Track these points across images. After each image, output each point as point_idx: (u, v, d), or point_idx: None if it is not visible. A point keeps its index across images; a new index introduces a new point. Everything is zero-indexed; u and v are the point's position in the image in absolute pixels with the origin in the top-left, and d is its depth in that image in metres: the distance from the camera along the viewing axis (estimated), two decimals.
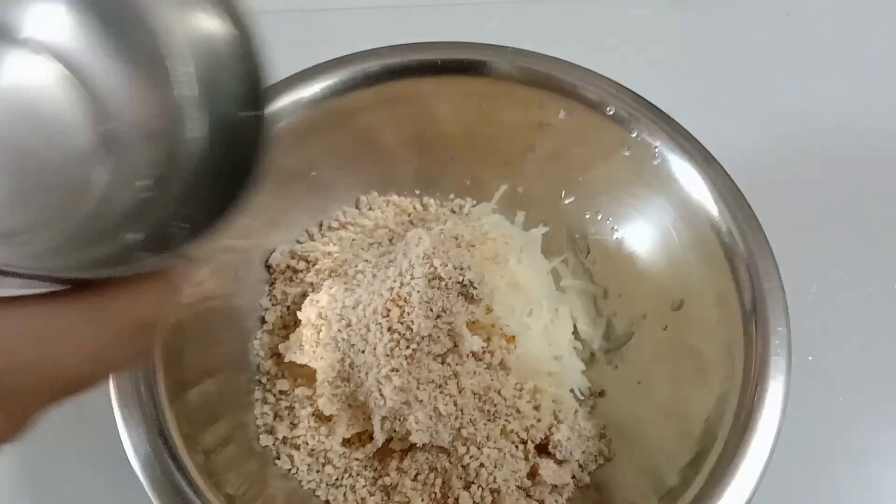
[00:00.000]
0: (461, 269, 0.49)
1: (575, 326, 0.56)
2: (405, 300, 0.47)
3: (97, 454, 0.53)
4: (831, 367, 0.58)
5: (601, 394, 0.55)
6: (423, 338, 0.47)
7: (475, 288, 0.49)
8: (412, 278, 0.48)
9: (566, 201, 0.58)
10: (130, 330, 0.22)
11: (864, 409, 0.57)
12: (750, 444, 0.42)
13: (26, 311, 0.20)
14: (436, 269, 0.48)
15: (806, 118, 0.69)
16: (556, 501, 0.49)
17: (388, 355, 0.47)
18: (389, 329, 0.47)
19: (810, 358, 0.58)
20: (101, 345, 0.21)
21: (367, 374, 0.47)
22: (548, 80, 0.54)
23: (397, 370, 0.47)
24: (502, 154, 0.58)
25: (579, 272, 0.58)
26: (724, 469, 0.42)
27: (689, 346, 0.51)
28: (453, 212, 0.60)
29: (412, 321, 0.47)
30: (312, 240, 0.57)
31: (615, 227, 0.56)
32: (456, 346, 0.48)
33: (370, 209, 0.59)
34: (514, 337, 0.50)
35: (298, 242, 0.57)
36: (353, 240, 0.57)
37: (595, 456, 0.51)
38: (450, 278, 0.48)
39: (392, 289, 0.48)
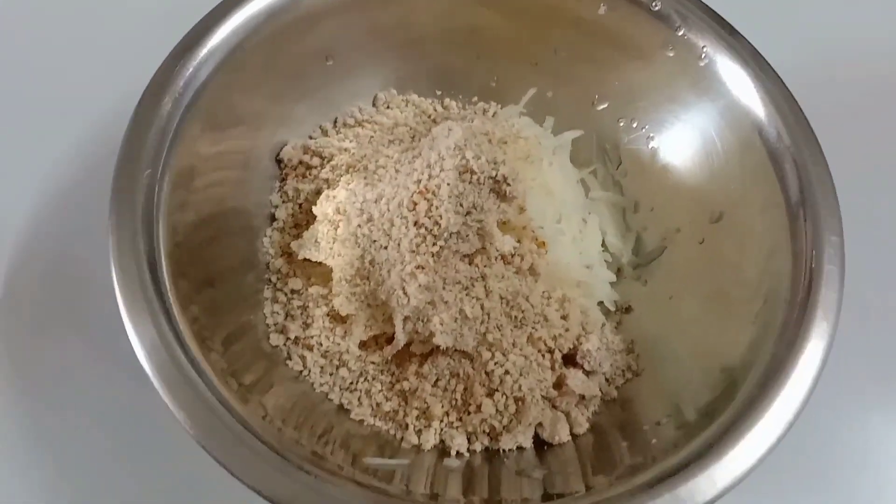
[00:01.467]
0: (494, 164, 0.45)
1: (603, 240, 0.53)
2: (434, 193, 0.44)
3: (98, 343, 0.50)
4: (868, 292, 0.55)
5: (627, 310, 0.52)
6: (451, 234, 0.44)
7: (509, 184, 0.45)
8: (442, 170, 0.44)
9: (599, 107, 0.55)
10: None
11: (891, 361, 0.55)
12: (798, 361, 0.39)
13: None
14: (468, 161, 0.45)
15: (861, 31, 0.65)
16: (583, 414, 0.46)
17: (413, 251, 0.44)
18: (416, 223, 0.44)
19: (848, 284, 0.55)
20: None
21: (389, 271, 0.44)
22: None
23: (423, 267, 0.44)
24: (532, 53, 0.54)
25: (608, 184, 0.55)
26: (762, 392, 0.39)
27: (728, 260, 0.48)
28: (476, 114, 0.56)
29: (440, 216, 0.44)
30: (326, 136, 0.53)
31: (651, 136, 0.53)
32: (485, 246, 0.45)
33: (388, 107, 0.55)
34: (544, 242, 0.47)
35: (311, 138, 0.53)
36: (372, 137, 0.53)
37: (623, 370, 0.48)
38: (482, 172, 0.44)
39: (419, 181, 0.45)
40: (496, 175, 0.44)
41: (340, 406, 0.45)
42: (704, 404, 0.42)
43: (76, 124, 0.59)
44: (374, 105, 0.56)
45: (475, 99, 0.57)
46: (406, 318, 0.43)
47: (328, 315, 0.46)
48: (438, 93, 0.57)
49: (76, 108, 0.59)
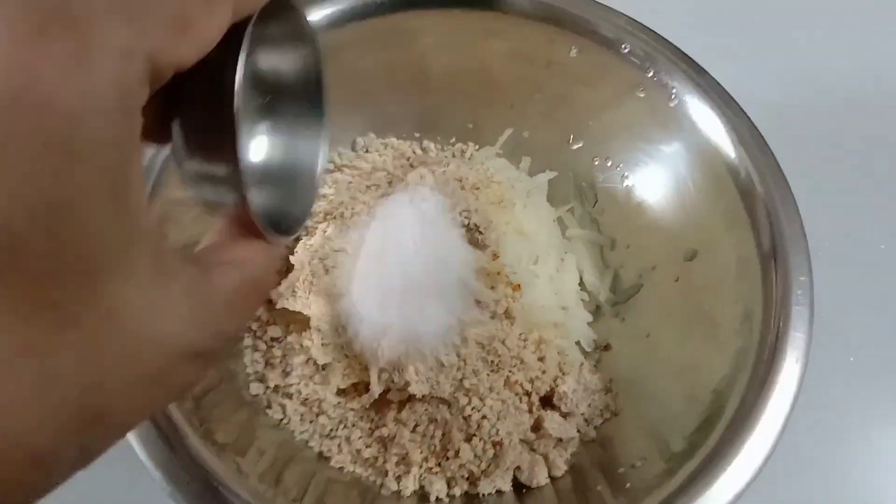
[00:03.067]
0: (467, 212, 0.46)
1: (581, 278, 0.54)
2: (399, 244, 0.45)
3: None
4: (844, 325, 0.56)
5: (606, 347, 0.52)
6: (428, 284, 0.45)
7: (481, 233, 0.46)
8: (417, 220, 0.45)
9: (574, 147, 0.55)
10: (239, 292, 0.23)
11: (877, 369, 0.55)
12: (767, 404, 0.40)
13: (226, 291, 0.23)
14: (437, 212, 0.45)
15: (828, 70, 0.66)
16: (561, 456, 0.46)
17: (390, 301, 0.44)
18: (391, 274, 0.45)
19: (822, 314, 0.56)
20: (211, 310, 0.22)
21: (363, 323, 0.45)
22: (560, 14, 0.51)
23: (398, 317, 0.44)
24: (507, 96, 0.55)
25: (586, 222, 0.56)
26: (738, 428, 0.40)
27: (702, 298, 0.48)
28: (454, 156, 0.57)
29: (417, 265, 0.44)
30: None
31: (625, 174, 0.54)
32: (463, 292, 0.46)
33: (367, 151, 0.56)
34: (519, 286, 0.48)
35: None
36: (350, 182, 0.53)
37: (601, 410, 0.49)
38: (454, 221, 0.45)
39: (394, 232, 0.45)
40: (469, 223, 0.45)
41: (320, 454, 0.46)
42: (684, 439, 0.43)
43: None
44: (353, 149, 0.56)
45: (453, 140, 0.58)
46: (382, 370, 0.44)
47: (307, 363, 0.47)
48: (417, 135, 0.57)
49: None
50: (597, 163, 0.55)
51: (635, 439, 0.47)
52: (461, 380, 0.45)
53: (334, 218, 0.49)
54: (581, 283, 0.54)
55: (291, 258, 0.48)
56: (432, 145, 0.57)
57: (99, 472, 0.47)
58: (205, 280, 0.22)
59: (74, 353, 0.19)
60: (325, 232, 0.47)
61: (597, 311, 0.53)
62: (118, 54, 0.18)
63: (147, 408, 0.22)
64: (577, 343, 0.51)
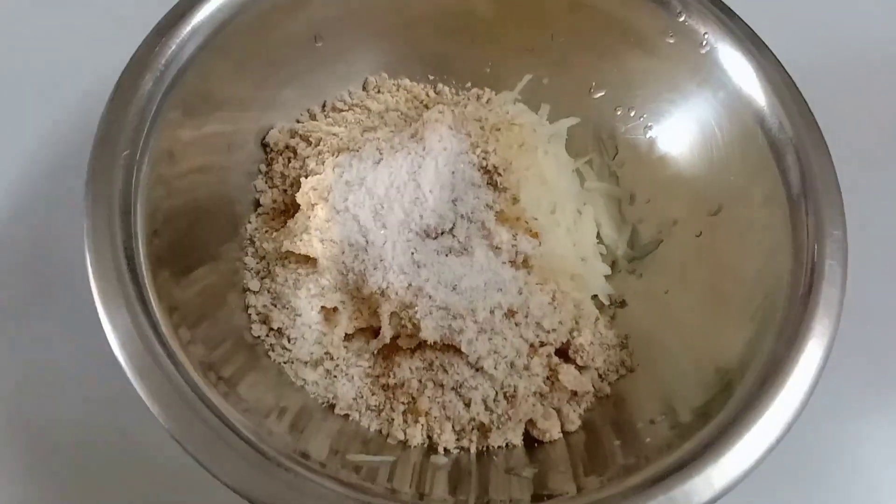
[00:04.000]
0: (485, 153, 0.44)
1: (598, 232, 0.52)
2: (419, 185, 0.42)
3: (76, 333, 0.48)
4: (869, 290, 0.53)
5: (622, 304, 0.50)
6: (442, 231, 0.42)
7: (500, 174, 0.44)
8: (431, 159, 0.43)
9: (596, 95, 0.53)
10: None
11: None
12: (795, 366, 0.37)
13: None
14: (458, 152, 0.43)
15: (871, 27, 0.64)
16: (574, 411, 0.45)
17: (401, 242, 0.42)
18: (404, 213, 0.42)
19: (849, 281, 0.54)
20: None
21: (374, 265, 0.42)
22: None
23: (411, 260, 0.42)
24: (528, 39, 0.53)
25: (604, 175, 0.54)
26: (765, 386, 0.37)
27: (726, 253, 0.46)
28: (470, 101, 0.54)
29: (431, 206, 0.42)
30: (314, 120, 0.52)
31: (649, 125, 0.51)
32: (479, 237, 0.44)
33: (379, 91, 0.53)
34: (538, 233, 0.46)
35: (298, 122, 0.52)
36: (361, 121, 0.51)
37: (616, 366, 0.47)
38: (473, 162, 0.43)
39: (409, 170, 0.43)
40: (487, 164, 0.43)
41: (325, 401, 0.44)
42: (700, 403, 0.41)
43: (54, 106, 0.57)
44: (364, 89, 0.54)
45: (469, 85, 0.55)
46: (392, 313, 0.42)
47: (312, 306, 0.44)
48: (431, 78, 0.55)
49: (54, 90, 0.57)
50: (619, 113, 0.52)
51: (650, 398, 0.45)
52: (475, 327, 0.43)
53: (344, 155, 0.47)
54: (598, 238, 0.52)
55: (297, 197, 0.46)
56: (447, 89, 0.55)
57: (99, 409, 0.46)
58: None
59: None
60: (334, 169, 0.45)
61: (613, 266, 0.51)
62: None
63: None
64: (594, 297, 0.49)
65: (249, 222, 0.48)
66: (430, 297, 0.42)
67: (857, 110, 0.59)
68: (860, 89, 0.61)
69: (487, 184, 0.44)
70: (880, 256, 0.55)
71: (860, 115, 0.59)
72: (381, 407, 0.44)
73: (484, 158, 0.44)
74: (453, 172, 0.43)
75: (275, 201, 0.49)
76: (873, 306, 0.53)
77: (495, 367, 0.43)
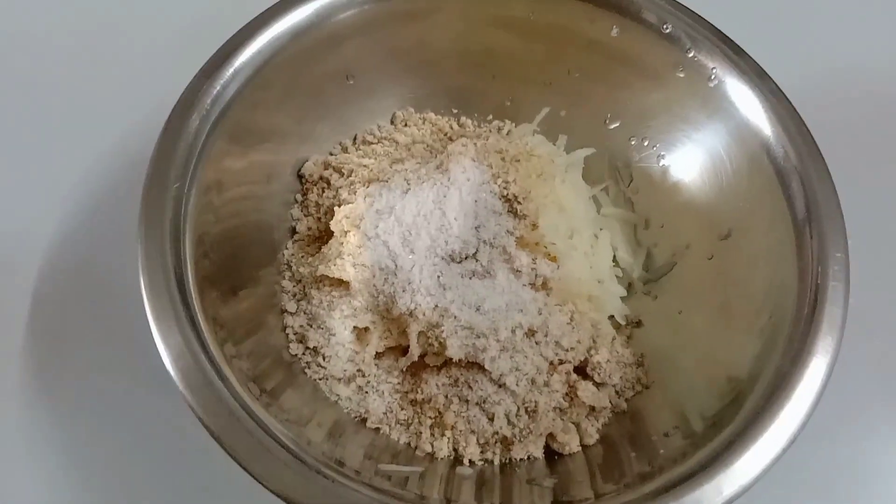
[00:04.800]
0: (506, 182, 0.47)
1: (614, 256, 0.54)
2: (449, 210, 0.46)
3: (126, 351, 0.51)
4: (872, 310, 0.55)
5: (638, 324, 0.53)
6: (466, 256, 0.45)
7: (520, 203, 0.47)
8: (457, 188, 0.46)
9: (611, 126, 0.56)
10: None
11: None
12: (801, 379, 0.40)
13: None
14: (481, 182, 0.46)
15: (871, 52, 0.66)
16: (593, 425, 0.47)
17: (428, 266, 0.45)
18: (430, 239, 0.46)
19: (852, 301, 0.56)
20: None
21: (403, 287, 0.46)
22: None
23: (437, 282, 0.45)
24: (546, 73, 0.56)
25: (620, 201, 0.56)
26: (768, 405, 0.40)
27: (736, 276, 0.49)
28: (492, 132, 0.57)
29: (456, 232, 0.45)
30: (346, 152, 0.55)
31: (662, 154, 0.54)
32: (500, 261, 0.46)
33: (406, 125, 0.57)
34: (556, 257, 0.48)
35: (331, 154, 0.55)
36: (390, 154, 0.54)
37: (632, 383, 0.49)
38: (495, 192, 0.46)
39: (434, 199, 0.46)
40: (507, 193, 0.46)
41: (357, 415, 0.47)
42: (711, 415, 0.43)
43: (106, 138, 0.60)
44: (392, 123, 0.57)
45: (490, 117, 0.58)
46: (420, 332, 0.45)
47: (346, 326, 0.47)
48: (455, 111, 0.58)
49: (106, 122, 0.61)
50: (633, 142, 0.55)
51: (665, 413, 0.47)
52: (497, 346, 0.45)
53: (375, 185, 0.50)
54: (614, 261, 0.54)
55: (331, 224, 0.49)
56: (469, 121, 0.58)
57: (149, 424, 0.49)
58: None
59: None
60: (365, 198, 0.48)
61: (629, 288, 0.54)
62: None
63: None
64: (610, 318, 0.52)
65: (286, 248, 0.52)
66: (455, 317, 0.45)
67: (858, 137, 0.61)
68: (861, 117, 0.63)
69: (508, 211, 0.47)
70: (886, 273, 0.57)
71: (861, 142, 0.61)
72: (410, 421, 0.47)
73: (504, 188, 0.47)
74: (476, 201, 0.46)
75: (310, 228, 0.52)
76: (880, 321, 0.55)
77: (517, 384, 0.45)
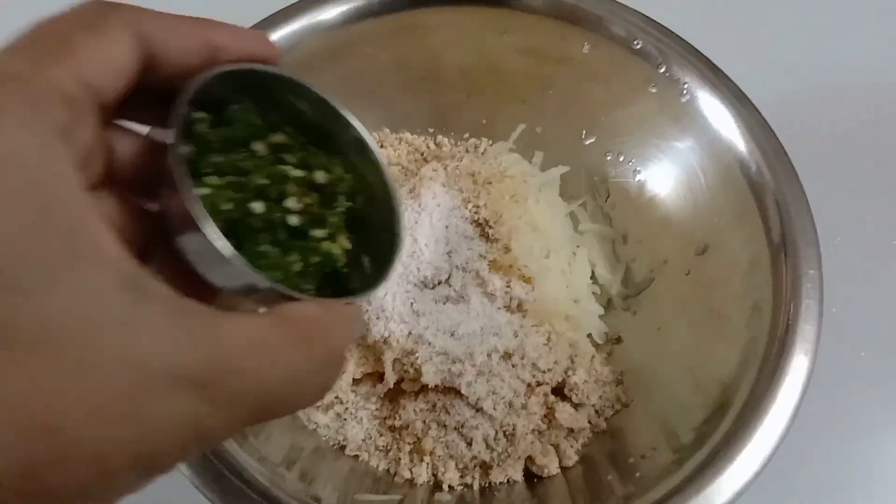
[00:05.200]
0: (476, 207, 0.47)
1: (593, 272, 0.54)
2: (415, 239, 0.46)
3: None
4: (854, 320, 0.56)
5: (618, 340, 0.53)
6: (438, 282, 0.45)
7: (491, 227, 0.47)
8: (427, 214, 0.46)
9: (586, 142, 0.56)
10: (326, 359, 0.23)
11: (887, 364, 0.55)
12: (776, 396, 0.40)
13: (247, 328, 0.21)
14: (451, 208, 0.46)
15: (840, 64, 0.66)
16: (572, 446, 0.47)
17: (401, 293, 0.45)
18: (402, 266, 0.46)
19: (833, 310, 0.56)
20: (303, 370, 0.22)
21: (377, 314, 0.46)
22: (572, 11, 0.52)
23: (410, 309, 0.45)
24: (520, 91, 0.56)
25: (598, 217, 0.56)
26: (747, 420, 0.40)
27: (713, 292, 0.49)
28: (468, 151, 0.57)
29: (427, 258, 0.45)
30: None
31: (637, 170, 0.54)
32: (474, 285, 0.46)
33: (381, 146, 0.57)
34: (531, 278, 0.48)
35: None
36: None
37: (612, 402, 0.49)
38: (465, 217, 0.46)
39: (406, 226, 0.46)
40: (478, 218, 0.46)
41: (336, 442, 0.47)
42: (693, 430, 0.43)
43: None
44: None
45: (467, 135, 0.58)
46: (395, 360, 0.45)
47: None
48: (431, 130, 0.58)
49: None
50: (609, 158, 0.55)
51: (645, 430, 0.47)
52: (473, 370, 0.45)
53: None
54: (593, 277, 0.54)
55: None
56: (446, 140, 0.58)
57: None
58: (216, 313, 0.20)
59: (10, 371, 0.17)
60: None
61: (608, 304, 0.54)
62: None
63: (136, 439, 0.18)
64: (589, 336, 0.52)
65: None
66: (429, 343, 0.45)
67: (832, 150, 0.61)
68: (835, 128, 0.63)
69: (480, 235, 0.47)
70: (863, 277, 0.57)
71: (835, 154, 0.61)
72: (389, 447, 0.47)
73: (476, 212, 0.47)
74: (447, 227, 0.46)
75: None
76: (859, 327, 0.55)
77: (494, 408, 0.45)
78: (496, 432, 0.46)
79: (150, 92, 0.23)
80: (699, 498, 0.38)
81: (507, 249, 0.47)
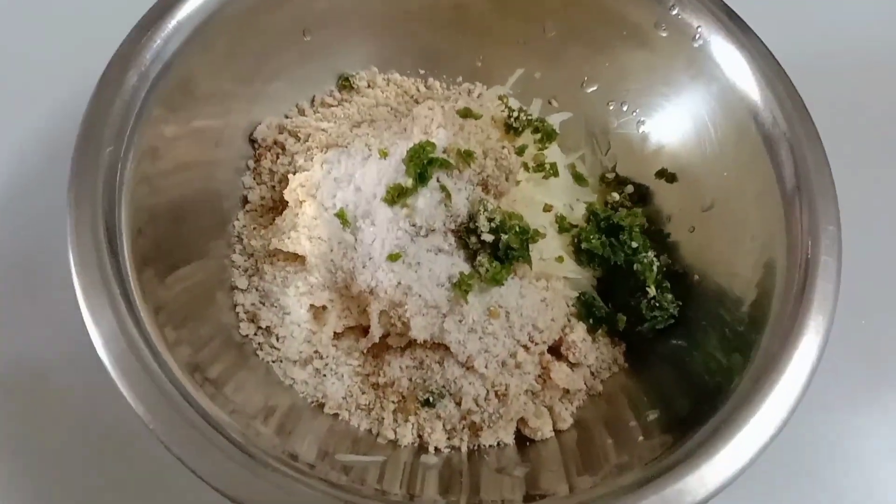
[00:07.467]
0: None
1: None
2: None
3: (59, 332, 0.47)
4: (861, 289, 0.53)
5: None
6: (429, 230, 0.42)
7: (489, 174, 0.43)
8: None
9: (588, 90, 0.52)
10: None
11: (888, 332, 0.53)
12: (788, 364, 0.37)
13: None
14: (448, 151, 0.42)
15: (866, 27, 0.63)
16: (566, 409, 0.44)
17: (390, 240, 0.42)
18: (393, 212, 0.42)
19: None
20: None
21: (364, 262, 0.42)
22: None
23: (400, 258, 0.41)
24: (521, 32, 0.52)
25: (597, 170, 0.53)
26: (752, 394, 0.37)
27: (720, 249, 0.46)
28: (461, 95, 0.54)
29: (420, 204, 0.42)
30: (303, 115, 0.51)
31: (641, 120, 0.51)
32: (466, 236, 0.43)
33: (369, 87, 0.53)
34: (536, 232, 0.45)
35: (287, 117, 0.51)
36: (350, 117, 0.50)
37: (608, 363, 0.46)
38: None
39: (397, 167, 0.42)
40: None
41: (314, 400, 0.43)
42: (694, 400, 0.41)
43: (39, 104, 0.56)
44: (352, 85, 0.53)
45: (460, 79, 0.54)
46: (382, 312, 0.41)
47: (301, 305, 0.44)
48: (422, 72, 0.54)
49: (40, 88, 0.56)
50: (612, 107, 0.52)
51: (643, 396, 0.45)
52: (465, 326, 0.42)
53: (332, 151, 0.46)
54: None
55: (285, 194, 0.45)
56: (437, 83, 0.54)
57: (83, 409, 0.45)
58: None
59: None
60: (322, 165, 0.44)
61: None
62: None
63: None
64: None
65: (237, 219, 0.48)
66: (419, 295, 0.41)
67: (850, 105, 0.58)
68: (854, 84, 0.60)
69: (478, 184, 0.43)
70: (877, 251, 0.54)
71: (854, 109, 0.58)
72: (372, 406, 0.43)
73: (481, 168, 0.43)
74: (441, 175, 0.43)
75: (263, 198, 0.48)
76: (869, 301, 0.52)
77: (486, 366, 0.42)
78: (487, 392, 0.43)
79: None
80: (696, 475, 0.35)
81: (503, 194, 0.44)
